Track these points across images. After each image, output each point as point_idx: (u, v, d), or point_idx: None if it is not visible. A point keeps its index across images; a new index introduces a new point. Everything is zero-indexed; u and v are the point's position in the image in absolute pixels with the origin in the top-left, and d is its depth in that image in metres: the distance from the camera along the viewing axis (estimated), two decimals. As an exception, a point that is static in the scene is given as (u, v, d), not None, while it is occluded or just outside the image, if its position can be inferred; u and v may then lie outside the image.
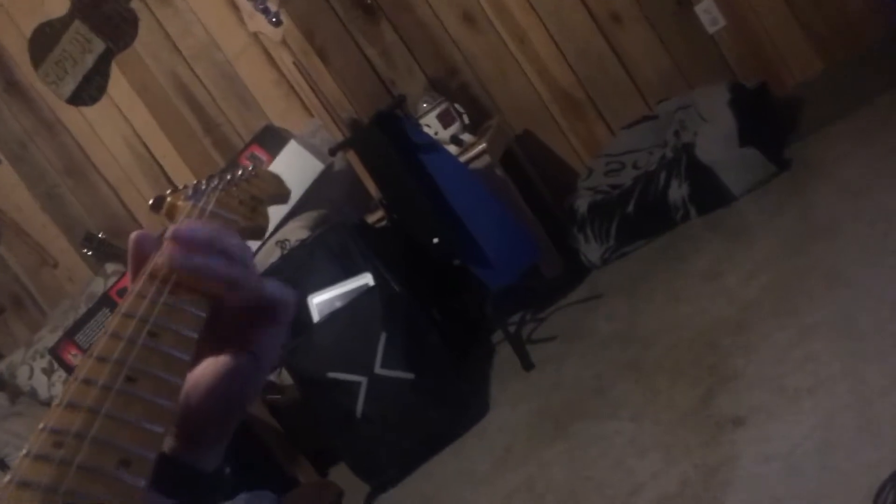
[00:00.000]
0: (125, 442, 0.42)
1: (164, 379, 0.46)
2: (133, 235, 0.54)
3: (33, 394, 3.49)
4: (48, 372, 3.43)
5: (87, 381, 0.43)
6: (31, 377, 3.48)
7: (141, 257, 0.54)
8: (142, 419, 0.43)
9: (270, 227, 2.71)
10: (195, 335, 0.50)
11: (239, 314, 0.55)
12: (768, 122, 2.90)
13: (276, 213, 2.98)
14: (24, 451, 0.40)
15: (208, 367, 0.54)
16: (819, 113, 2.85)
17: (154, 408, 0.44)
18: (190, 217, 0.57)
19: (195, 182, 0.62)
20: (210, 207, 0.59)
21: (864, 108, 2.67)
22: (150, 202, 0.61)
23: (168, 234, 0.53)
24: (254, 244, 2.80)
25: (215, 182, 0.63)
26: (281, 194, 0.68)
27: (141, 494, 0.41)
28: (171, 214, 0.60)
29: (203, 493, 0.53)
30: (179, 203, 0.60)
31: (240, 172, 0.65)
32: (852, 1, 3.03)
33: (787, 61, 3.15)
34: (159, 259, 0.52)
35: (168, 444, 0.53)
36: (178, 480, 0.52)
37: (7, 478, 0.39)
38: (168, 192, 0.61)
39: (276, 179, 0.69)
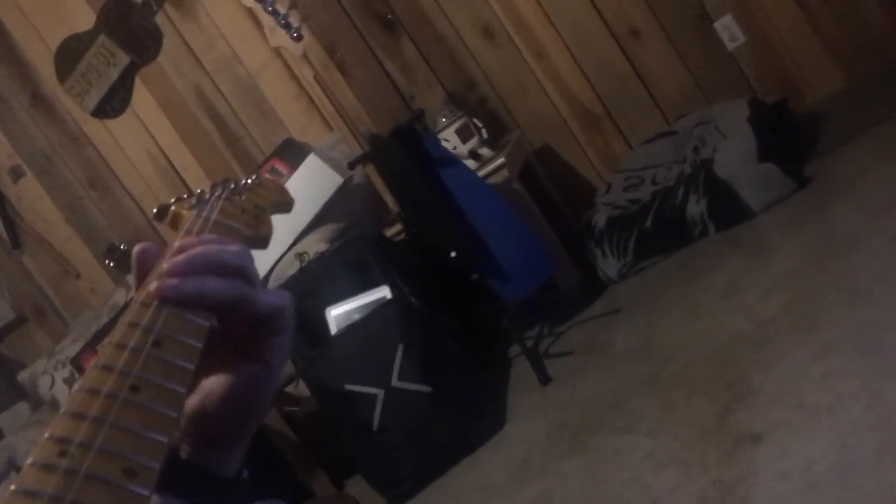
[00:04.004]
0: (130, 451, 0.42)
1: (168, 388, 0.46)
2: (136, 248, 0.55)
3: (54, 403, 3.52)
4: (69, 382, 3.47)
5: (91, 391, 0.44)
6: (52, 387, 3.52)
7: (145, 269, 0.55)
8: (146, 428, 0.43)
9: (290, 239, 2.70)
10: (199, 344, 0.50)
11: (243, 324, 0.56)
12: (788, 138, 2.88)
13: (294, 224, 3.00)
14: (30, 460, 0.40)
15: (222, 374, 0.55)
16: (840, 129, 2.83)
17: (158, 417, 0.44)
18: (192, 229, 0.58)
19: (199, 191, 0.63)
20: (214, 217, 0.59)
21: (885, 124, 2.65)
22: (154, 211, 0.62)
23: (163, 268, 0.53)
24: (262, 254, 2.81)
25: (219, 191, 0.63)
26: (284, 203, 0.68)
27: None
28: (175, 224, 0.60)
29: (222, 498, 0.54)
30: (183, 212, 0.60)
31: (243, 181, 0.66)
32: (874, 16, 3.01)
33: (807, 77, 3.13)
34: (151, 287, 0.52)
35: (186, 449, 0.54)
36: (198, 485, 0.53)
37: (12, 487, 0.39)
38: (172, 200, 0.62)
39: (280, 188, 0.69)
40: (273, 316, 0.56)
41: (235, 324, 0.55)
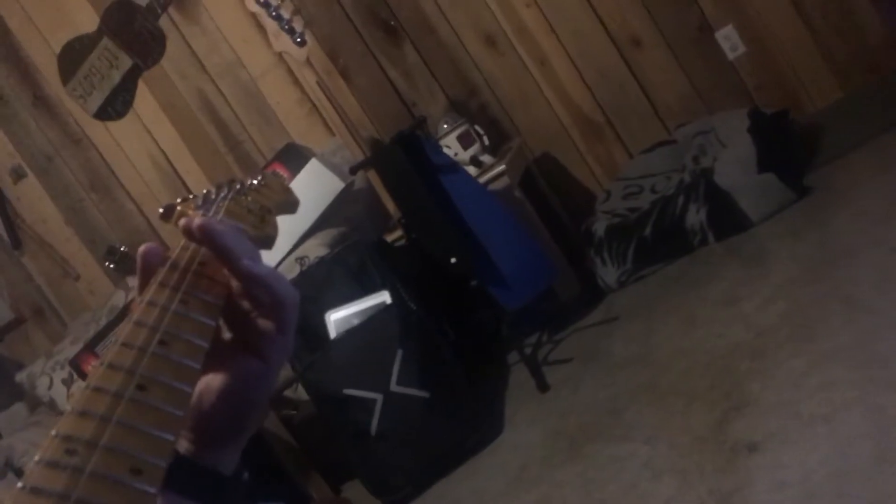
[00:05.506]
0: (136, 450, 0.42)
1: (174, 387, 0.47)
2: (141, 248, 0.56)
3: (52, 404, 3.52)
4: (68, 383, 3.47)
5: (98, 389, 0.44)
6: (50, 387, 3.52)
7: (149, 269, 0.55)
8: (153, 427, 0.44)
9: (290, 244, 2.69)
10: (205, 344, 0.51)
11: (246, 317, 0.56)
12: (787, 148, 2.89)
13: (295, 229, 3.00)
14: (37, 458, 0.41)
15: (219, 371, 0.56)
16: (839, 140, 2.84)
17: (165, 416, 0.45)
18: None
19: (205, 191, 0.63)
20: (220, 217, 0.60)
21: (884, 135, 2.65)
22: (161, 211, 0.62)
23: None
24: (264, 257, 2.81)
25: (225, 192, 0.64)
26: (289, 203, 0.69)
27: (152, 503, 0.42)
28: None
29: (222, 496, 0.54)
30: (189, 212, 0.61)
31: (249, 182, 0.66)
32: (873, 29, 3.02)
33: (807, 88, 3.15)
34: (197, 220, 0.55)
35: (184, 446, 0.54)
36: (198, 482, 0.53)
37: (19, 484, 0.40)
38: (178, 200, 0.62)
39: (285, 189, 0.70)
40: (280, 305, 0.56)
41: (241, 315, 0.55)
